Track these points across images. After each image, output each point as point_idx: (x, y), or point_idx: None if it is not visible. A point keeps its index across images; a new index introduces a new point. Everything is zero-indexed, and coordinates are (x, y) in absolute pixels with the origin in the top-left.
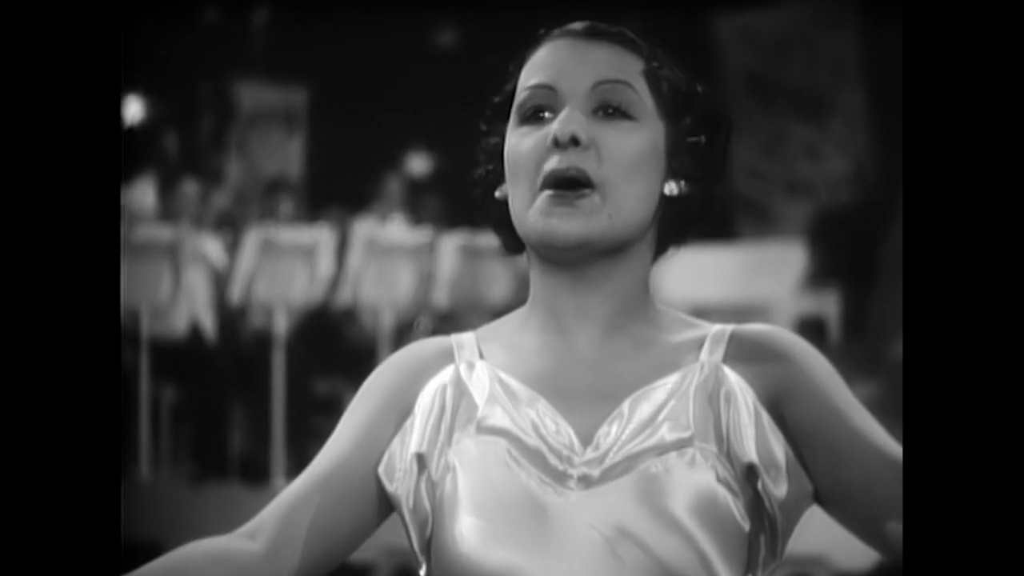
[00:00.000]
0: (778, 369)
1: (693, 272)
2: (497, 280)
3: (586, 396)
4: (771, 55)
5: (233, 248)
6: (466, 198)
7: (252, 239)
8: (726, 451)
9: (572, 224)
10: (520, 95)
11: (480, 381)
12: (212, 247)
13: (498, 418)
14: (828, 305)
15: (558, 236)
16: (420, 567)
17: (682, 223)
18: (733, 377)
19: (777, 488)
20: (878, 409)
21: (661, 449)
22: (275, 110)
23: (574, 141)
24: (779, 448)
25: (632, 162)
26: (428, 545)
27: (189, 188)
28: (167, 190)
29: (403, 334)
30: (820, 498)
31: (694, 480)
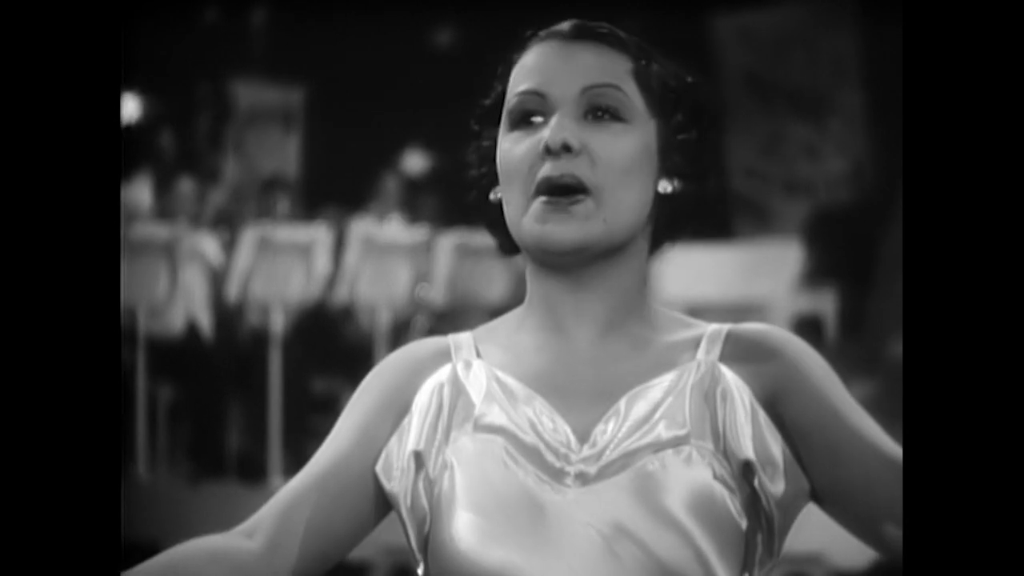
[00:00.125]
0: (775, 368)
1: (691, 271)
2: (494, 279)
3: (583, 394)
4: (770, 55)
5: (230, 246)
6: (463, 197)
7: (249, 237)
8: (722, 449)
9: (567, 230)
10: (510, 101)
11: (477, 380)
12: (209, 245)
13: (495, 416)
14: (825, 304)
15: (554, 242)
16: (418, 566)
17: (677, 220)
18: (730, 375)
19: (774, 486)
20: (875, 408)
21: (657, 446)
22: (272, 109)
23: (566, 148)
24: (776, 446)
25: (625, 165)
26: (426, 543)
27: (186, 187)
28: (163, 188)
29: (400, 332)
30: (817, 496)
31: (691, 477)
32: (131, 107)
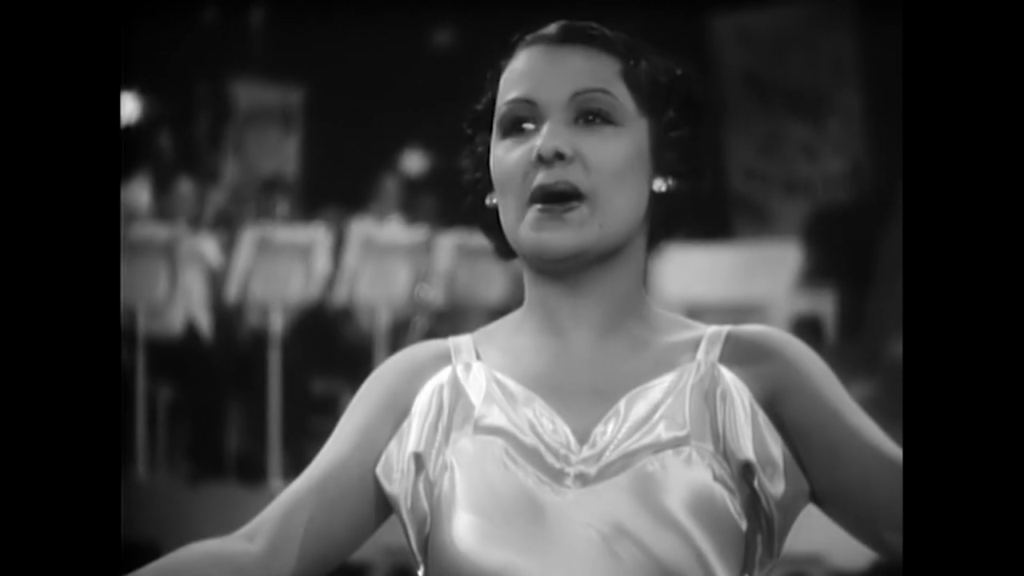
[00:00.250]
0: (774, 369)
1: (690, 271)
2: (493, 279)
3: (583, 395)
4: (769, 55)
5: (229, 247)
6: (462, 198)
7: (248, 238)
8: (722, 449)
9: (563, 237)
10: (500, 109)
11: (477, 382)
12: (208, 246)
13: (495, 417)
14: (824, 304)
15: (550, 250)
16: (418, 567)
17: (673, 218)
18: (729, 376)
19: (774, 486)
20: (875, 409)
21: (657, 447)
22: (272, 109)
23: (559, 156)
24: (776, 447)
25: (618, 169)
26: (426, 545)
27: (185, 187)
28: (163, 189)
29: (400, 333)
30: (817, 497)
31: (690, 478)
32: (131, 107)
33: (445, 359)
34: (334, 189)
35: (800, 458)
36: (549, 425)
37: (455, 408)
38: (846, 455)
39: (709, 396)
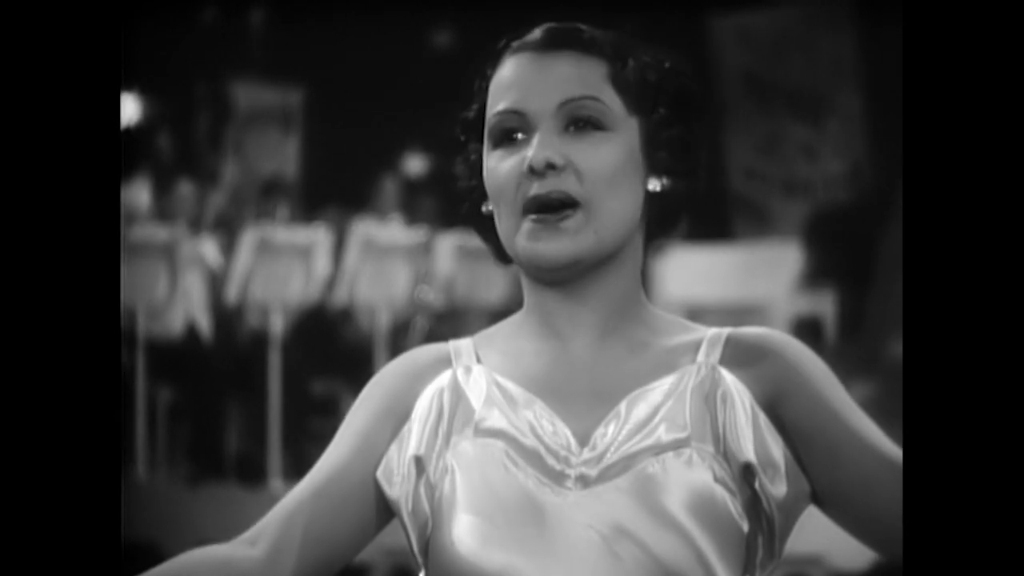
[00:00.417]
0: (775, 371)
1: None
2: (493, 280)
3: (583, 398)
4: (768, 56)
5: (229, 248)
6: (459, 204)
7: (248, 239)
8: (723, 451)
9: (559, 246)
10: (490, 120)
11: (477, 385)
12: (208, 247)
13: (495, 420)
14: (824, 305)
15: (547, 260)
16: (419, 570)
17: (669, 217)
18: (730, 379)
19: (775, 488)
20: (875, 409)
21: (658, 449)
22: (272, 110)
23: (550, 166)
24: (777, 448)
25: (611, 174)
26: (427, 548)
27: (185, 189)
28: (163, 190)
29: (400, 334)
30: (818, 499)
31: (691, 479)
32: (130, 108)
33: (445, 363)
34: (334, 190)
35: (801, 459)
36: (549, 427)
37: (455, 411)
38: (847, 456)
39: (710, 398)
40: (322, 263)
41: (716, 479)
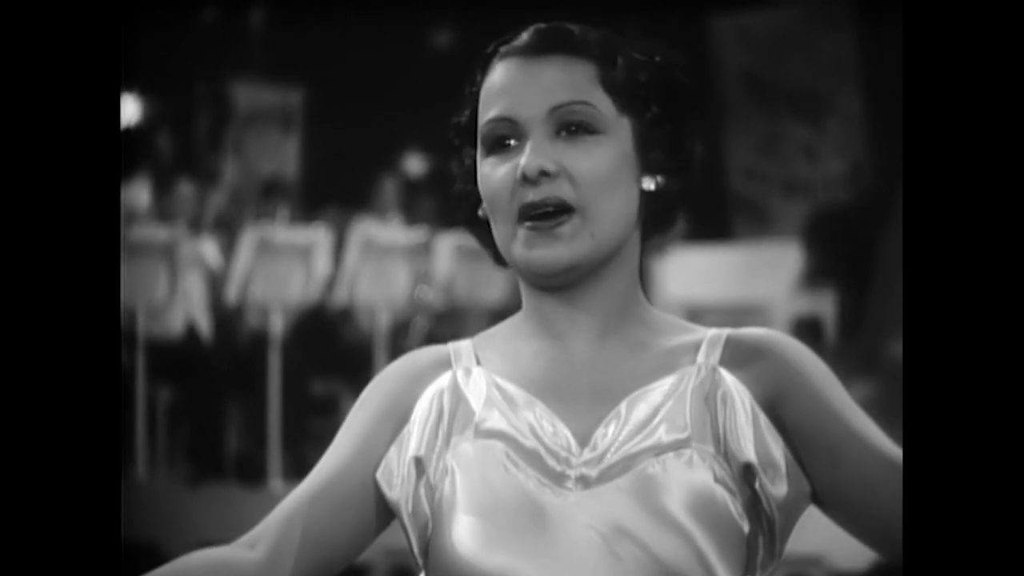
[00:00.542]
0: (775, 372)
1: (690, 272)
2: (493, 280)
3: (583, 399)
4: (768, 56)
5: (229, 248)
6: (456, 208)
7: (248, 239)
8: (723, 451)
9: (556, 253)
10: (482, 128)
11: (477, 386)
12: (208, 248)
13: (495, 421)
14: (824, 305)
15: (544, 267)
16: (420, 571)
17: (665, 214)
18: (730, 379)
19: (776, 488)
20: (875, 409)
21: (658, 450)
22: (272, 110)
23: (543, 173)
24: (777, 449)
25: (605, 178)
26: (427, 549)
27: (185, 189)
28: (163, 190)
29: (399, 334)
30: (818, 499)
31: (691, 479)
32: (131, 108)
33: (445, 364)
34: (334, 190)
35: (801, 460)
36: (550, 428)
37: (455, 413)
38: (847, 456)
39: (710, 399)
40: (322, 263)
41: (716, 479)
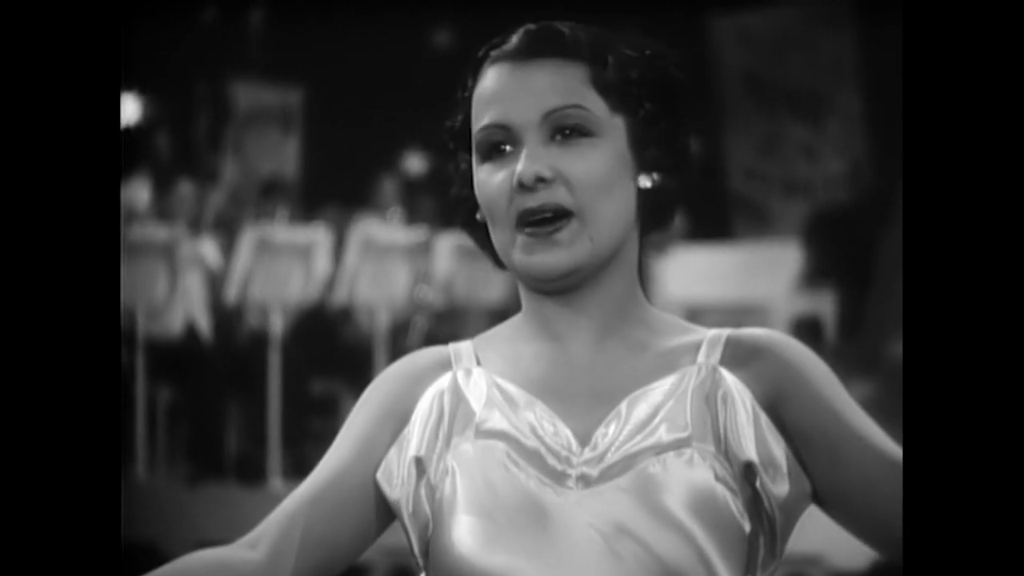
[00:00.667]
0: (775, 372)
1: (690, 272)
2: (493, 280)
3: (583, 399)
4: (768, 56)
5: (229, 248)
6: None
7: (248, 239)
8: (724, 451)
9: (556, 258)
10: (476, 136)
11: (477, 387)
12: (208, 247)
13: (496, 421)
14: (824, 305)
15: (544, 272)
16: (420, 571)
17: (662, 211)
18: (731, 379)
19: (777, 487)
20: (874, 409)
21: (659, 449)
22: (271, 110)
23: (540, 180)
24: (778, 448)
25: (602, 181)
26: (428, 549)
27: (185, 189)
28: (162, 189)
29: (399, 333)
30: (819, 498)
31: (692, 478)
32: (131, 108)
33: (446, 365)
34: (334, 190)
35: (802, 459)
36: (550, 428)
37: (456, 413)
38: (847, 456)
39: (711, 399)
40: (322, 263)
41: (717, 478)
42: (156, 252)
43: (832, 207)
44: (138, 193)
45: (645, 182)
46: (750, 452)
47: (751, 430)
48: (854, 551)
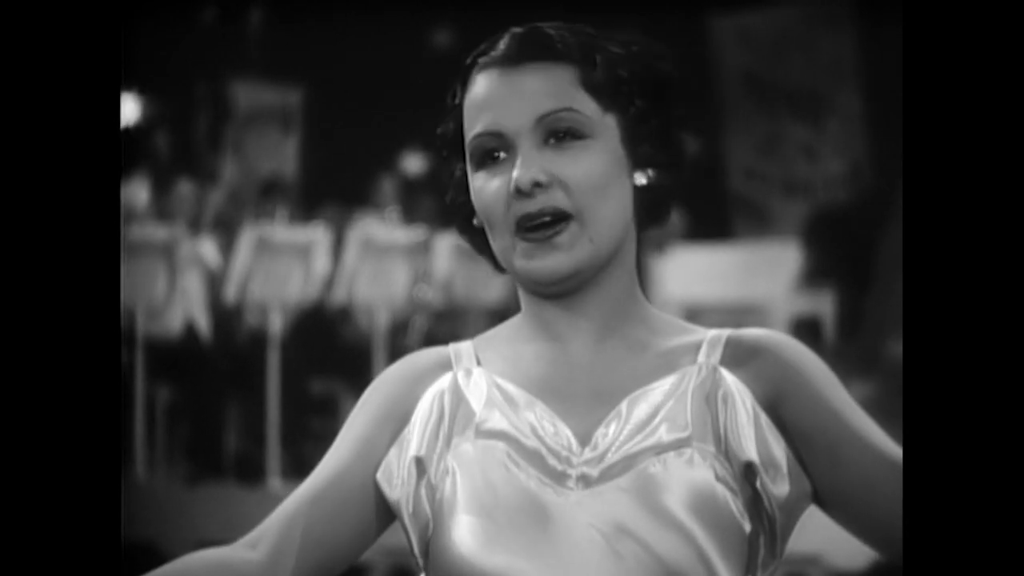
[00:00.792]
0: (775, 372)
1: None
2: (492, 280)
3: (583, 399)
4: (768, 56)
5: (228, 248)
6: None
7: (247, 238)
8: (724, 451)
9: (556, 262)
10: (470, 144)
11: (478, 387)
12: (207, 247)
13: (496, 422)
14: (824, 305)
15: (545, 276)
16: (420, 571)
17: (659, 207)
18: (731, 379)
19: (777, 487)
20: (874, 409)
21: (659, 449)
22: (271, 110)
23: (537, 185)
24: (779, 448)
25: (598, 182)
26: (428, 549)
27: (184, 188)
28: (162, 189)
29: (398, 333)
30: (819, 498)
31: (692, 478)
32: (130, 108)
33: (446, 366)
34: (333, 189)
35: (802, 459)
36: (551, 428)
37: (456, 414)
38: (847, 456)
39: (711, 399)
40: (321, 262)
41: (718, 478)
42: (156, 252)
43: (832, 207)
44: (138, 193)
45: (641, 179)
46: (750, 452)
47: (751, 430)
48: (854, 551)
